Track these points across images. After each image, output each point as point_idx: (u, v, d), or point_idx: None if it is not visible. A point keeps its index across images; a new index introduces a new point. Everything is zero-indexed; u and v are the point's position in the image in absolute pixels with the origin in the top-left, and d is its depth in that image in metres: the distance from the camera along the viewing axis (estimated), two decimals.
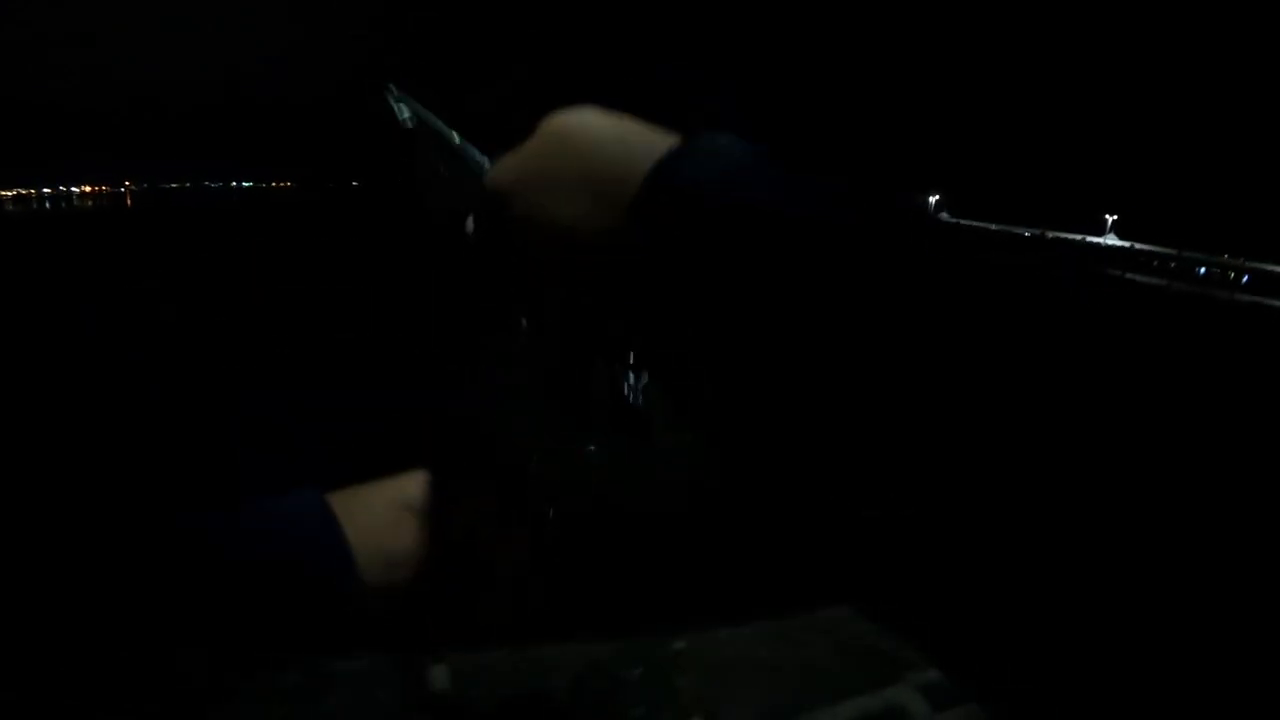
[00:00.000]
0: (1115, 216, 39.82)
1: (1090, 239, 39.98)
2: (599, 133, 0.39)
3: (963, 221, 46.05)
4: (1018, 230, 43.03)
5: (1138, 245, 38.31)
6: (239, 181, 55.30)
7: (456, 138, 0.51)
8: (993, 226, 44.15)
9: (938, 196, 48.18)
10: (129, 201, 46.64)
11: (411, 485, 0.59)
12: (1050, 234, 41.39)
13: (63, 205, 43.44)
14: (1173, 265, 36.26)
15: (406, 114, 0.53)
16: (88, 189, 45.61)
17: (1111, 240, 39.39)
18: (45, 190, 43.41)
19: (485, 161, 0.49)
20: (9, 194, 40.99)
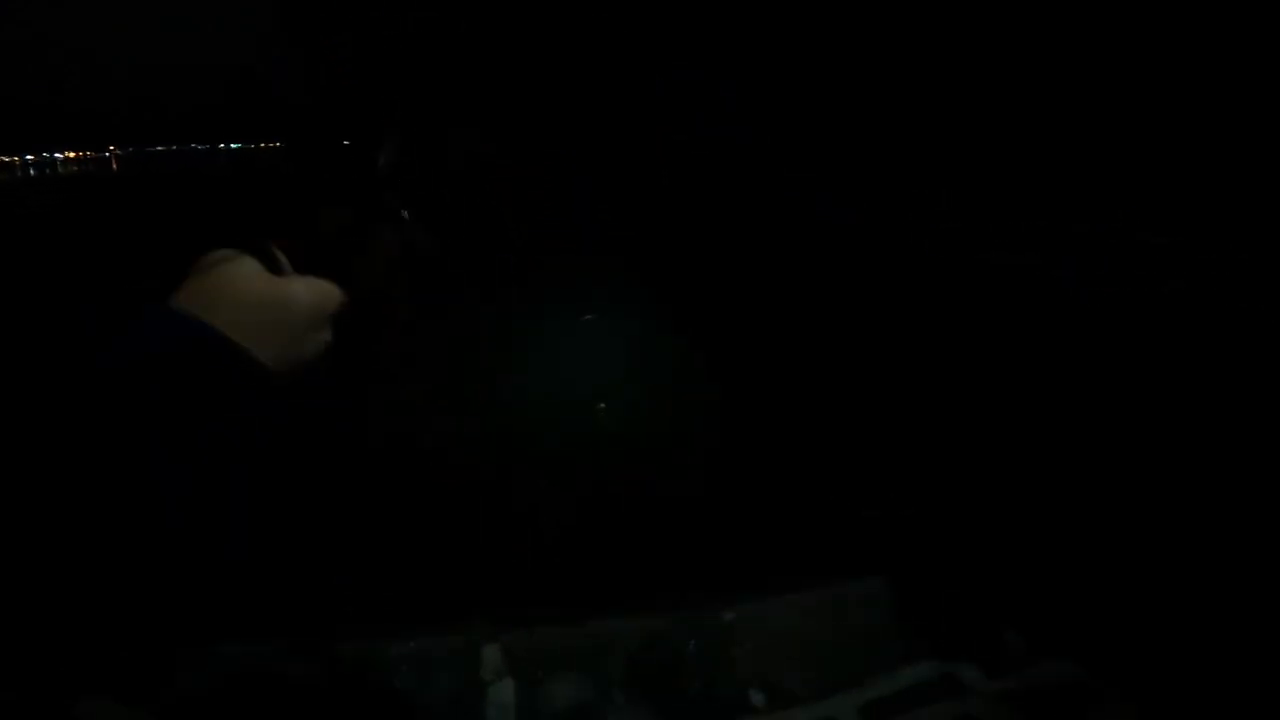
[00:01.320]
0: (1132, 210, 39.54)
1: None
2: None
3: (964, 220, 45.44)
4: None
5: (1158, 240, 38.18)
6: (227, 143, 54.06)
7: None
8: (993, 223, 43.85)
9: (946, 189, 47.54)
10: (115, 166, 45.67)
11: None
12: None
13: (47, 171, 42.58)
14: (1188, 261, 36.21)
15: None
16: (72, 154, 44.68)
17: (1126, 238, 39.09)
18: (29, 157, 42.49)
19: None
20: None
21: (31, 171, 41.34)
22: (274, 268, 0.44)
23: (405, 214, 0.51)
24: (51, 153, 42.90)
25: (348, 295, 0.45)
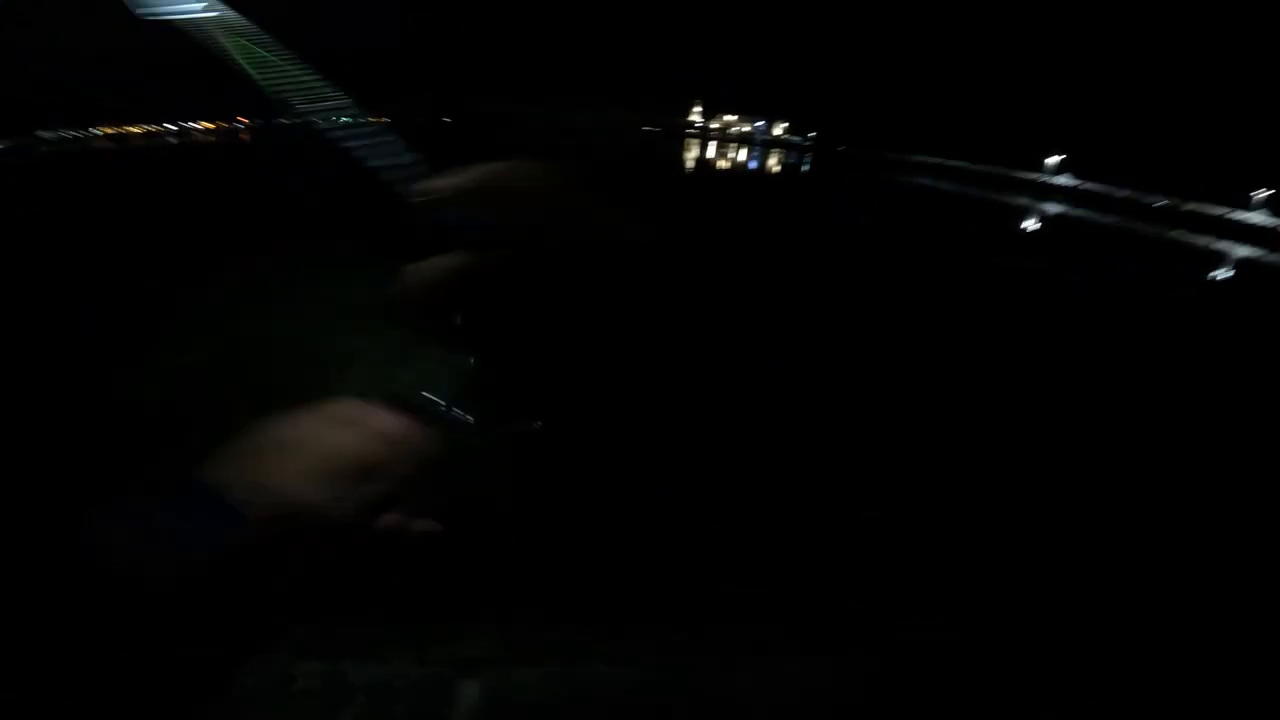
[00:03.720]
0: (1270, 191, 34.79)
1: (1235, 214, 35.28)
2: None
3: (1085, 185, 41.84)
4: (1149, 199, 38.65)
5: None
6: (338, 116, 57.10)
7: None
8: (1120, 193, 39.86)
9: (1062, 158, 43.82)
10: (244, 137, 49.31)
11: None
12: (1187, 206, 36.86)
13: (187, 140, 46.57)
14: None
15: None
16: (209, 125, 48.64)
17: (1260, 217, 34.60)
18: (170, 126, 46.67)
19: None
20: (138, 130, 44.43)
21: (173, 140, 45.28)
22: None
23: None
24: (186, 122, 47.03)
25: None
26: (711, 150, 64.38)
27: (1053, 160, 44.26)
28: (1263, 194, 35.07)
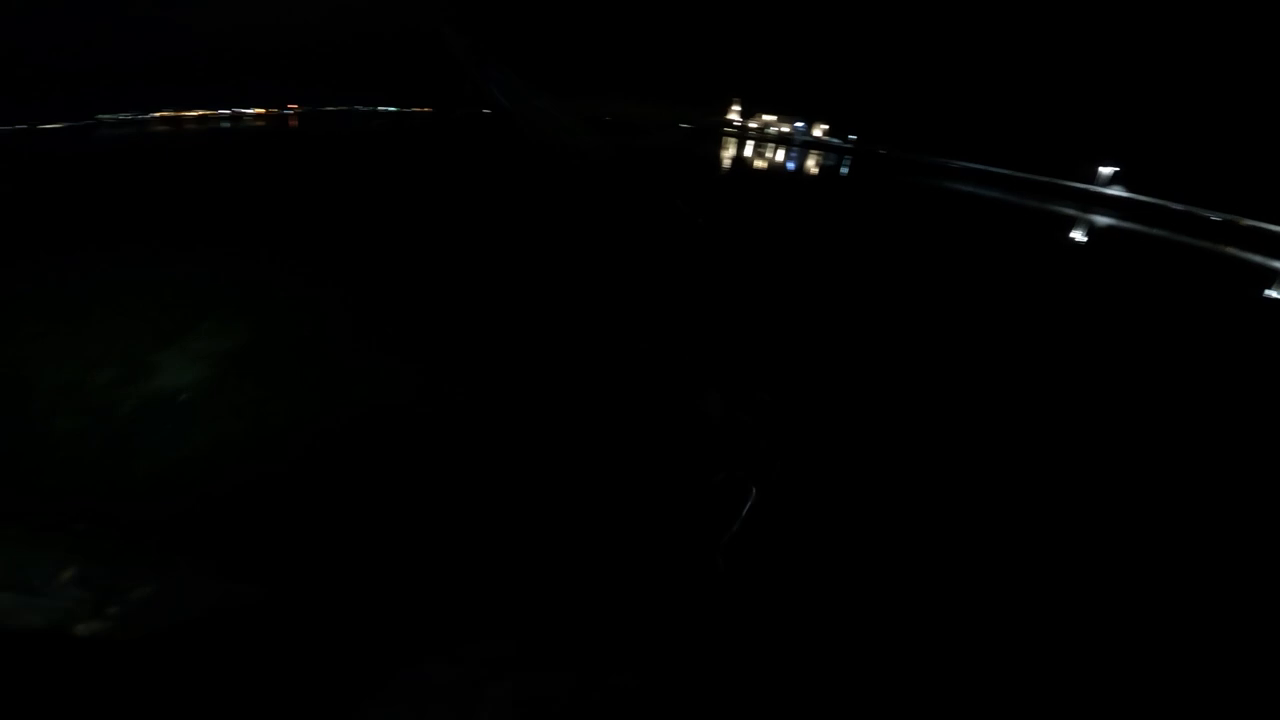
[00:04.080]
0: None
1: None
2: None
3: (1140, 197, 40.46)
4: (1203, 213, 37.20)
5: None
6: (382, 106, 58.20)
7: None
8: (1176, 206, 38.47)
9: (1115, 169, 42.42)
10: (293, 122, 50.43)
11: None
12: (1244, 221, 35.38)
13: (238, 124, 47.86)
14: None
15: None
16: (260, 110, 49.90)
17: None
18: (222, 111, 48.01)
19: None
20: (192, 114, 45.83)
21: (225, 125, 46.56)
22: None
23: None
24: (241, 108, 48.51)
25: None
26: (745, 148, 63.85)
27: (1106, 170, 42.90)
28: None
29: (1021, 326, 15.62)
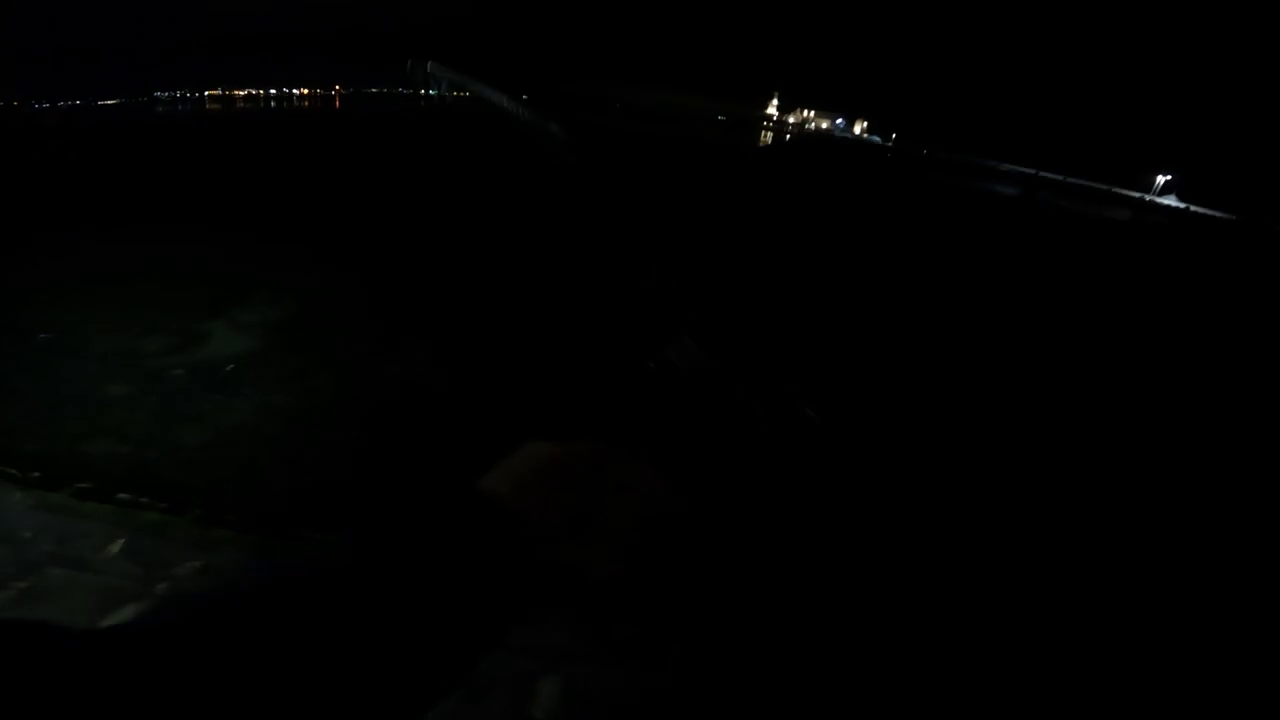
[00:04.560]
0: None
1: None
2: None
3: (1195, 208, 38.86)
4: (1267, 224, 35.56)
5: None
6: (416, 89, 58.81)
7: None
8: (1232, 217, 36.88)
9: (1168, 178, 40.79)
10: (338, 104, 51.30)
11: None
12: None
13: (285, 105, 48.92)
14: None
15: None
16: (304, 90, 50.96)
17: None
18: (271, 91, 49.13)
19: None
20: (241, 93, 47.03)
21: (273, 104, 47.61)
22: None
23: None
24: (291, 88, 49.83)
25: None
26: (768, 140, 62.93)
27: (1160, 179, 41.32)
28: None
29: (1028, 325, 15.24)
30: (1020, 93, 53.97)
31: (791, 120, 71.98)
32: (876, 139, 66.54)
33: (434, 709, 3.70)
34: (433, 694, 3.81)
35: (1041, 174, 47.27)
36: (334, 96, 53.60)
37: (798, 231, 22.28)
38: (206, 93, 45.38)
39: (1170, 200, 40.94)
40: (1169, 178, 41.00)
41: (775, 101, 72.19)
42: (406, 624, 4.64)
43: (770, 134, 68.88)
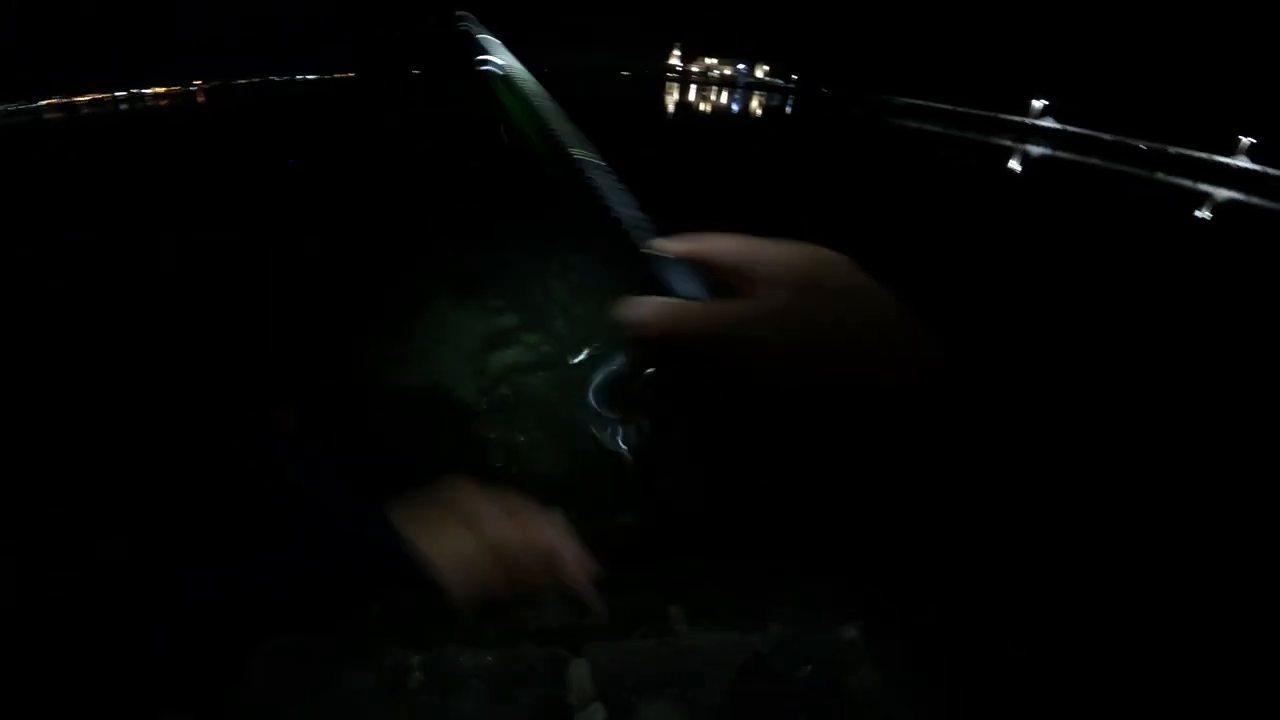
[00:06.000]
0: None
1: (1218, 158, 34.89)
2: None
3: (1072, 128, 41.08)
4: (1132, 142, 38.08)
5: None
6: (304, 75, 54.51)
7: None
8: (1106, 136, 39.21)
9: (1045, 103, 42.86)
10: (200, 99, 47.00)
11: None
12: (1173, 149, 36.39)
13: (138, 106, 44.24)
14: None
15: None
16: (161, 90, 46.15)
17: (1242, 162, 34.23)
18: (119, 93, 44.17)
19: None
20: (84, 99, 41.94)
21: (123, 107, 43.06)
22: None
23: None
24: (141, 88, 44.12)
25: None
26: (691, 93, 62.29)
27: (1038, 104, 43.36)
28: None
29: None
30: (912, 33, 55.10)
31: (695, 70, 71.08)
32: (778, 81, 66.80)
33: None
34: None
35: (935, 105, 48.82)
36: (196, 91, 48.47)
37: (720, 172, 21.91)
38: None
39: (1049, 122, 43.19)
40: (1046, 103, 43.16)
41: (676, 53, 71.05)
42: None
43: (675, 84, 67.95)
